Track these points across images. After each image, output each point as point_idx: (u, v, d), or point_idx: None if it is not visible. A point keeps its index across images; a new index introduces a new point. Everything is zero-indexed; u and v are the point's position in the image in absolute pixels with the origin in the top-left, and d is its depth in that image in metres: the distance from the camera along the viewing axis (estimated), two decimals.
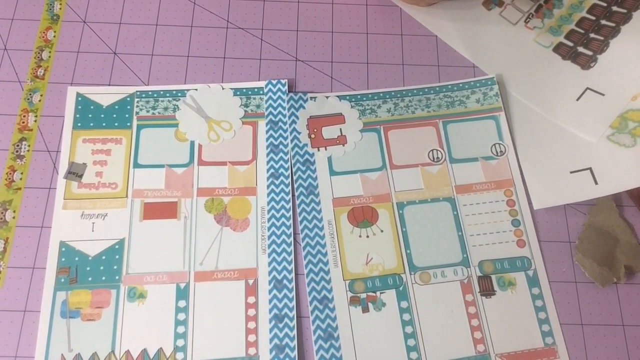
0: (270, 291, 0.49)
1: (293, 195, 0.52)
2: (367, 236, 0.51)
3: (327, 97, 0.56)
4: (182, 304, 0.48)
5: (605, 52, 0.56)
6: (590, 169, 0.52)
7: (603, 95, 0.54)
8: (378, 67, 0.58)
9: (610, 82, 0.55)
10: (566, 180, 0.52)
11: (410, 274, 0.50)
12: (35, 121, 0.54)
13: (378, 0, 0.58)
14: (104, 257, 0.49)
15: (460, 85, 0.57)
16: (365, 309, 0.48)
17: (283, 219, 0.51)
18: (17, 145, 0.53)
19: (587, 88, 0.55)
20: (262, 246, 0.50)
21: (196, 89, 0.56)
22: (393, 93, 0.57)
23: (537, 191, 0.53)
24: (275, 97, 0.56)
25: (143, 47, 0.58)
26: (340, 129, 0.55)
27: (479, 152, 0.54)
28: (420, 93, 0.57)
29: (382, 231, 0.51)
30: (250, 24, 0.60)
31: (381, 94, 0.57)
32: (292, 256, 0.50)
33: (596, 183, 0.51)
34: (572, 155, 0.53)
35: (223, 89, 0.56)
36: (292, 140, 0.54)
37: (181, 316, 0.48)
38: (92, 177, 0.52)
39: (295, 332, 0.47)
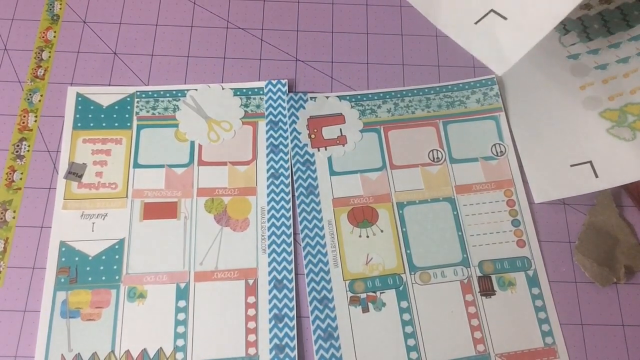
0: (270, 291, 0.49)
1: (293, 195, 0.52)
2: (367, 236, 0.51)
3: (327, 97, 0.56)
4: (182, 304, 0.48)
5: None
6: (590, 162, 0.52)
7: (506, 19, 0.49)
8: (378, 67, 0.58)
9: (516, 4, 0.50)
10: (566, 173, 0.52)
11: (410, 274, 0.50)
12: (35, 121, 0.54)
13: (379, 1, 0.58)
14: (104, 257, 0.49)
15: (460, 85, 0.57)
16: (365, 309, 0.48)
17: (283, 219, 0.51)
18: (17, 146, 0.53)
19: (492, 10, 0.50)
20: (262, 246, 0.50)
21: (196, 89, 0.56)
22: (393, 93, 0.57)
23: (537, 185, 0.53)
24: (275, 97, 0.56)
25: (143, 47, 0.58)
26: (340, 129, 0.55)
27: (479, 152, 0.54)
28: (420, 93, 0.57)
29: (382, 231, 0.51)
30: (250, 24, 0.60)
31: (381, 94, 0.57)
32: (292, 256, 0.50)
33: (596, 176, 0.51)
34: (572, 148, 0.53)
35: (223, 89, 0.56)
36: (292, 141, 0.54)
37: (181, 316, 0.48)
38: (92, 177, 0.52)
39: (295, 332, 0.47)
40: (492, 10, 0.49)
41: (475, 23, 0.50)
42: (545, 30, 0.47)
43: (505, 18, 0.48)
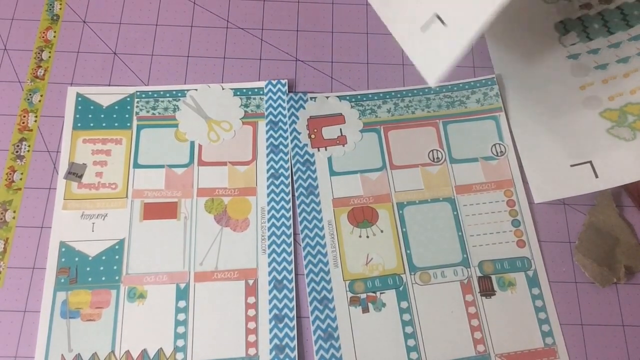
0: (270, 291, 0.49)
1: (293, 196, 0.52)
2: (367, 236, 0.51)
3: (327, 97, 0.56)
4: (182, 304, 0.48)
5: None
6: (590, 162, 0.52)
7: (445, 25, 0.43)
8: (378, 67, 0.58)
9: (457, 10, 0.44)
10: (566, 173, 0.52)
11: (410, 274, 0.50)
12: (35, 121, 0.54)
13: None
14: (104, 258, 0.49)
15: (461, 85, 0.57)
16: (365, 309, 0.48)
17: (283, 219, 0.51)
18: (17, 146, 0.53)
19: (436, 14, 0.44)
20: (262, 246, 0.50)
21: (196, 89, 0.56)
22: (393, 93, 0.57)
23: (537, 185, 0.53)
24: (275, 98, 0.56)
25: (143, 47, 0.58)
26: (340, 129, 0.55)
27: (479, 153, 0.54)
28: (420, 93, 0.57)
29: (382, 231, 0.51)
30: (250, 24, 0.60)
31: (381, 94, 0.57)
32: (292, 256, 0.50)
33: (596, 176, 0.51)
34: (572, 148, 0.53)
35: (223, 89, 0.56)
36: (292, 141, 0.54)
37: (181, 316, 0.48)
38: (92, 178, 0.52)
39: (295, 332, 0.47)
40: (435, 15, 0.43)
41: (422, 30, 0.45)
42: (476, 29, 0.41)
43: (445, 24, 0.43)
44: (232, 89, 0.56)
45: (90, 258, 0.49)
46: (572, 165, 0.52)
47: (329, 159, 0.54)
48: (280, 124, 0.55)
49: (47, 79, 0.56)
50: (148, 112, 0.55)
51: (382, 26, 0.60)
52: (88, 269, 0.49)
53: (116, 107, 0.55)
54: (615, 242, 0.51)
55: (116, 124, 0.54)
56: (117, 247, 0.50)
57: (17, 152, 0.53)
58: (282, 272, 0.49)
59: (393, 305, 0.49)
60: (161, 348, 0.47)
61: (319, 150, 0.54)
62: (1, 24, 0.58)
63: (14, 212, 0.51)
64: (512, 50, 0.59)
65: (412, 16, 0.45)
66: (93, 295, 0.48)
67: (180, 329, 0.47)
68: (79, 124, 0.54)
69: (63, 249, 0.49)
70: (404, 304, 0.49)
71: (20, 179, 0.52)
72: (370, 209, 0.52)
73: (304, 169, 0.53)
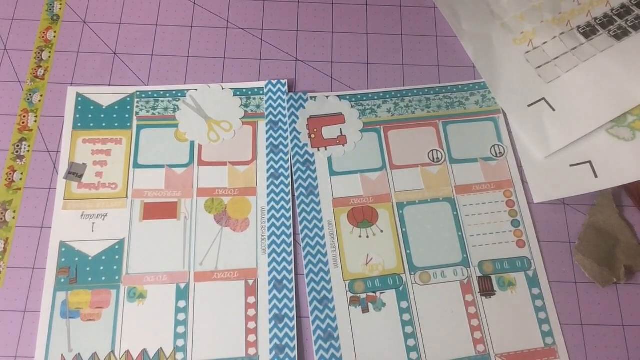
0: (270, 291, 0.49)
1: (293, 196, 0.52)
2: (367, 236, 0.51)
3: (327, 96, 0.56)
4: (182, 304, 0.48)
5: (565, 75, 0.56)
6: (590, 162, 0.52)
7: (554, 110, 0.54)
8: (378, 67, 0.58)
9: (565, 101, 0.54)
10: (566, 173, 0.52)
11: (410, 274, 0.50)
12: (35, 121, 0.54)
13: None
14: (103, 258, 0.49)
15: (460, 87, 0.57)
16: (365, 309, 0.48)
17: (283, 219, 0.51)
18: (17, 146, 0.53)
19: (543, 99, 0.54)
20: (262, 246, 0.50)
21: (196, 89, 0.56)
22: (393, 93, 0.57)
23: (537, 184, 0.53)
24: (275, 97, 0.56)
25: (143, 47, 0.58)
26: (341, 129, 0.55)
27: (478, 153, 0.54)
28: (420, 93, 0.57)
29: (382, 231, 0.51)
30: (250, 24, 0.60)
31: (381, 94, 0.57)
32: (292, 256, 0.50)
33: (596, 176, 0.51)
34: (572, 148, 0.53)
35: (223, 89, 0.56)
36: (292, 140, 0.54)
37: (181, 316, 0.48)
38: (92, 178, 0.52)
39: (295, 332, 0.47)
40: (543, 99, 0.54)
41: (529, 106, 0.54)
42: (588, 130, 0.52)
43: (553, 109, 0.53)
44: (232, 89, 0.56)
45: (90, 258, 0.49)
46: (571, 165, 0.53)
47: (329, 159, 0.54)
48: (280, 123, 0.55)
49: (47, 79, 0.56)
50: (148, 112, 0.55)
51: (382, 26, 0.61)
52: (88, 269, 0.49)
53: (116, 107, 0.55)
54: (615, 242, 0.51)
55: (116, 124, 0.54)
56: (117, 247, 0.50)
57: (17, 152, 0.53)
58: (282, 272, 0.49)
59: (393, 305, 0.49)
60: (161, 348, 0.47)
61: (319, 150, 0.54)
62: (1, 24, 0.58)
63: (14, 212, 0.51)
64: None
65: (519, 93, 0.55)
66: (93, 295, 0.48)
67: (180, 329, 0.47)
68: (79, 124, 0.54)
69: (63, 249, 0.49)
70: (404, 304, 0.49)
71: (20, 179, 0.52)
72: (370, 209, 0.52)
73: (304, 168, 0.53)
